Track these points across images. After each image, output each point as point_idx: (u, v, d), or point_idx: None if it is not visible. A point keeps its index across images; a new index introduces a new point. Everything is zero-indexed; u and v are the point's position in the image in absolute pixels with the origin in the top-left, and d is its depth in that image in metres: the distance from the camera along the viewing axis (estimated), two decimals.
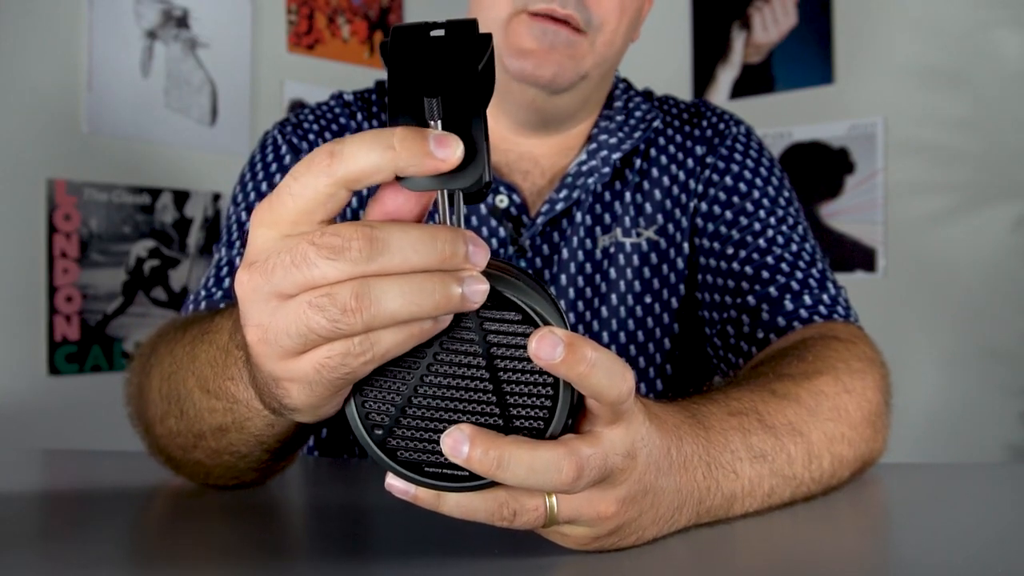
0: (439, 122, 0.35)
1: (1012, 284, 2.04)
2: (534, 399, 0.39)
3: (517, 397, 0.38)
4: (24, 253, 1.85)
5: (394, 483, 0.39)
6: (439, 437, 0.38)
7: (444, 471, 0.39)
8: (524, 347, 0.38)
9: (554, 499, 0.40)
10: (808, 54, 2.34)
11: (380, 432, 0.39)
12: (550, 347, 0.36)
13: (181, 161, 2.11)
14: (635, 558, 0.45)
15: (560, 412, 0.39)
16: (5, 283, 1.83)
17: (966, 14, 2.10)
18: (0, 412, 1.79)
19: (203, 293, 0.76)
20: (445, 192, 0.37)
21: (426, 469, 0.39)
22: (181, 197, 2.10)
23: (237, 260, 0.76)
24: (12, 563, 0.45)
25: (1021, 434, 2.02)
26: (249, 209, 0.80)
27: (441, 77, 0.36)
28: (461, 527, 0.52)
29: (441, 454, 0.38)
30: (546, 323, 0.38)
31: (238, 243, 0.78)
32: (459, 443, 0.37)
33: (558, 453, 0.38)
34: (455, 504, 0.40)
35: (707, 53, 2.52)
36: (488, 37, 0.38)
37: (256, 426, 0.51)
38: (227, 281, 0.75)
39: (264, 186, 0.81)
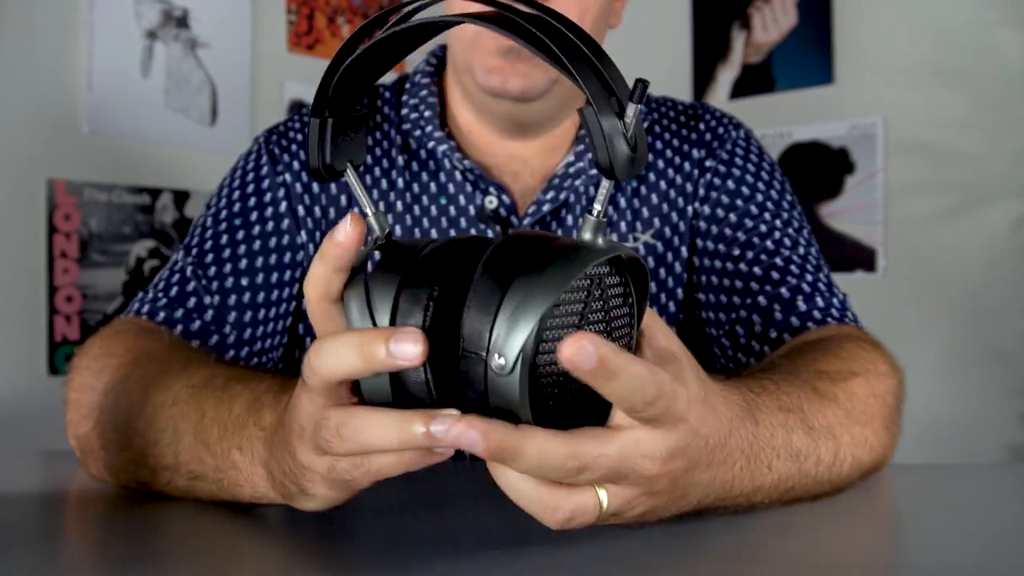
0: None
1: (1012, 284, 2.04)
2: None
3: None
4: (24, 253, 1.85)
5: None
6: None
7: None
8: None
9: (603, 491, 0.41)
10: (808, 54, 2.34)
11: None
12: (586, 358, 0.36)
13: (181, 161, 2.11)
14: (640, 557, 0.45)
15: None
16: (5, 283, 1.83)
17: (966, 14, 2.10)
18: (0, 412, 1.79)
19: (150, 295, 0.76)
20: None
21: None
22: (181, 197, 2.10)
23: (189, 270, 0.77)
24: (12, 563, 0.45)
25: (1021, 435, 2.02)
26: (217, 215, 0.81)
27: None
28: (460, 528, 0.52)
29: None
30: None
31: (195, 250, 0.79)
32: (475, 435, 0.37)
33: (569, 449, 0.38)
34: (511, 484, 0.40)
35: (707, 53, 2.51)
36: None
37: (242, 493, 0.52)
38: (175, 290, 0.76)
39: (236, 195, 0.81)
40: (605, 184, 0.40)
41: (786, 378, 0.58)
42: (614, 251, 0.40)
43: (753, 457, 0.49)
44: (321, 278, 0.42)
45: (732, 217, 0.81)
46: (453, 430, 0.38)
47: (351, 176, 0.43)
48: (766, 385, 0.55)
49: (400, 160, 0.83)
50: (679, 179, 0.84)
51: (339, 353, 0.40)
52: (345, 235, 0.41)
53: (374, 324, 0.40)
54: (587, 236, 0.40)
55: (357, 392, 0.42)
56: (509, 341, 0.37)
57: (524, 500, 0.40)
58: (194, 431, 0.54)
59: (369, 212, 0.43)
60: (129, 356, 0.65)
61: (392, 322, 0.40)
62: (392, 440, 0.39)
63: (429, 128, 0.82)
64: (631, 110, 0.38)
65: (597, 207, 0.40)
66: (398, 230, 0.82)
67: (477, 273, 0.39)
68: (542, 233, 0.41)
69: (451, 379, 0.40)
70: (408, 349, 0.38)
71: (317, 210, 0.81)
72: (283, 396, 0.50)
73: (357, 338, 0.39)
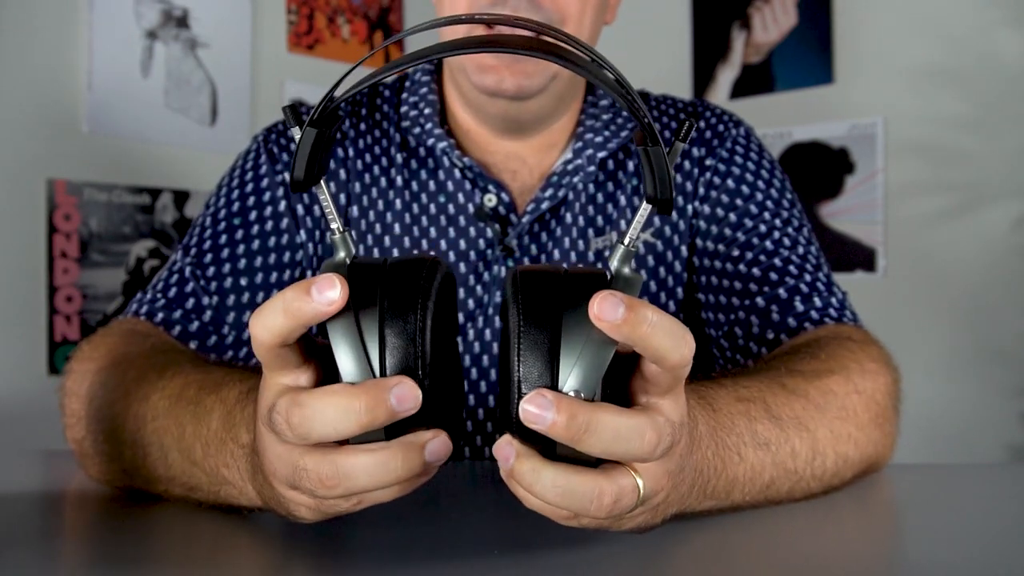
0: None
1: (1012, 284, 2.04)
2: None
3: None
4: (24, 253, 1.85)
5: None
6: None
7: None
8: None
9: (639, 477, 0.40)
10: (808, 54, 2.34)
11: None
12: (612, 308, 0.36)
13: (181, 161, 2.11)
14: (636, 559, 0.45)
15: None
16: (5, 283, 1.83)
17: (966, 14, 2.10)
18: (0, 412, 1.79)
19: (149, 296, 0.76)
20: None
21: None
22: (181, 197, 2.10)
23: (188, 271, 0.77)
24: (12, 563, 0.45)
25: (1021, 434, 2.02)
26: (216, 215, 0.81)
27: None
28: (460, 528, 0.52)
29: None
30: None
31: (194, 250, 0.78)
32: (544, 409, 0.36)
33: (640, 420, 0.38)
34: (550, 483, 0.38)
35: (707, 53, 2.51)
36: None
37: (242, 503, 0.51)
38: (173, 290, 0.76)
39: (235, 194, 0.81)
40: (644, 212, 0.40)
41: (747, 375, 0.58)
42: (641, 279, 0.40)
43: (720, 444, 0.49)
44: (281, 331, 0.38)
45: (732, 217, 0.81)
46: (528, 406, 0.36)
47: (324, 192, 0.41)
48: (721, 382, 0.55)
49: (399, 158, 0.83)
50: (679, 177, 0.84)
51: (332, 418, 0.37)
52: (329, 302, 0.37)
53: (372, 373, 0.38)
54: (615, 264, 0.40)
55: None
56: (588, 376, 0.38)
57: (565, 497, 0.38)
58: (179, 448, 0.53)
59: (337, 231, 0.41)
60: (107, 359, 0.64)
61: (383, 363, 0.38)
62: (387, 479, 0.38)
63: (429, 126, 0.82)
64: (678, 147, 0.38)
65: (630, 236, 0.40)
66: (397, 228, 0.82)
67: (516, 319, 0.39)
68: (550, 266, 0.41)
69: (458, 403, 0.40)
70: (409, 401, 0.37)
71: (316, 209, 0.81)
72: (253, 410, 0.48)
73: (352, 402, 0.37)
